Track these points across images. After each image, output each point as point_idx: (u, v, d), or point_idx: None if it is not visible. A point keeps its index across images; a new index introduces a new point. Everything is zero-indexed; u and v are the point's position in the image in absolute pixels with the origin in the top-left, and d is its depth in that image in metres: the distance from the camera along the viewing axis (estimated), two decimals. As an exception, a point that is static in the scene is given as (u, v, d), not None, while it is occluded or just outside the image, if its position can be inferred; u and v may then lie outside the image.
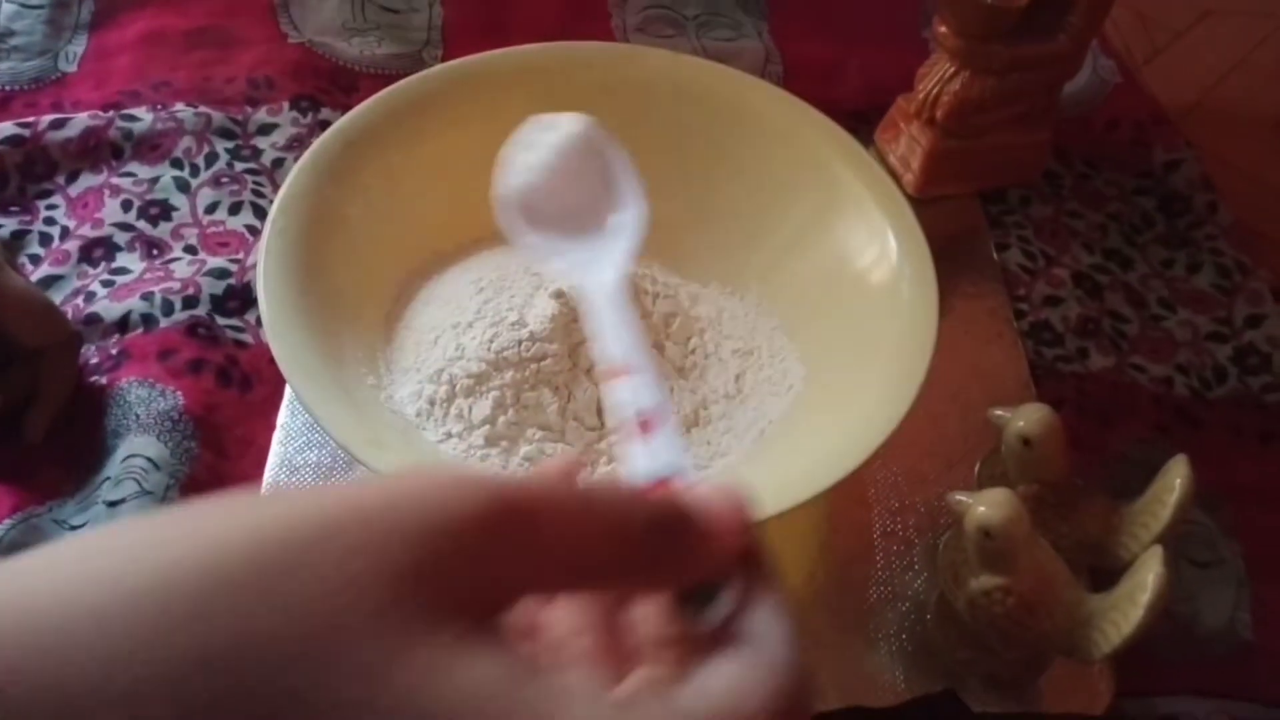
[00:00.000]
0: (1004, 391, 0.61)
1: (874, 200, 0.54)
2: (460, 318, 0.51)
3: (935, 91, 0.66)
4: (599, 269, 0.34)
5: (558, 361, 0.50)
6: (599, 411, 0.51)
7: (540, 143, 0.38)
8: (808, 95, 0.58)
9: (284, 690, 0.16)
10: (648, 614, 0.23)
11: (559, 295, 0.51)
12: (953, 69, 0.65)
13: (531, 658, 0.19)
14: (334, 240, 0.52)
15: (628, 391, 0.26)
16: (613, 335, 0.29)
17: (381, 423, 0.47)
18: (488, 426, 0.49)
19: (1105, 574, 0.51)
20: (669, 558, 0.22)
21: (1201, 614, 0.54)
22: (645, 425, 0.26)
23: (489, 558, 0.19)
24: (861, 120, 0.73)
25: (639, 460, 0.25)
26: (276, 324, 0.46)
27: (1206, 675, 0.52)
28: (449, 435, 0.49)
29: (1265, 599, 0.55)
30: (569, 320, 0.51)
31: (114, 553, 0.17)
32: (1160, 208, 0.73)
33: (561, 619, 0.23)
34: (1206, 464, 0.48)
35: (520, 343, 0.50)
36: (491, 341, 0.50)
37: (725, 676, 0.21)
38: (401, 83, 0.57)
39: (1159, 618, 0.43)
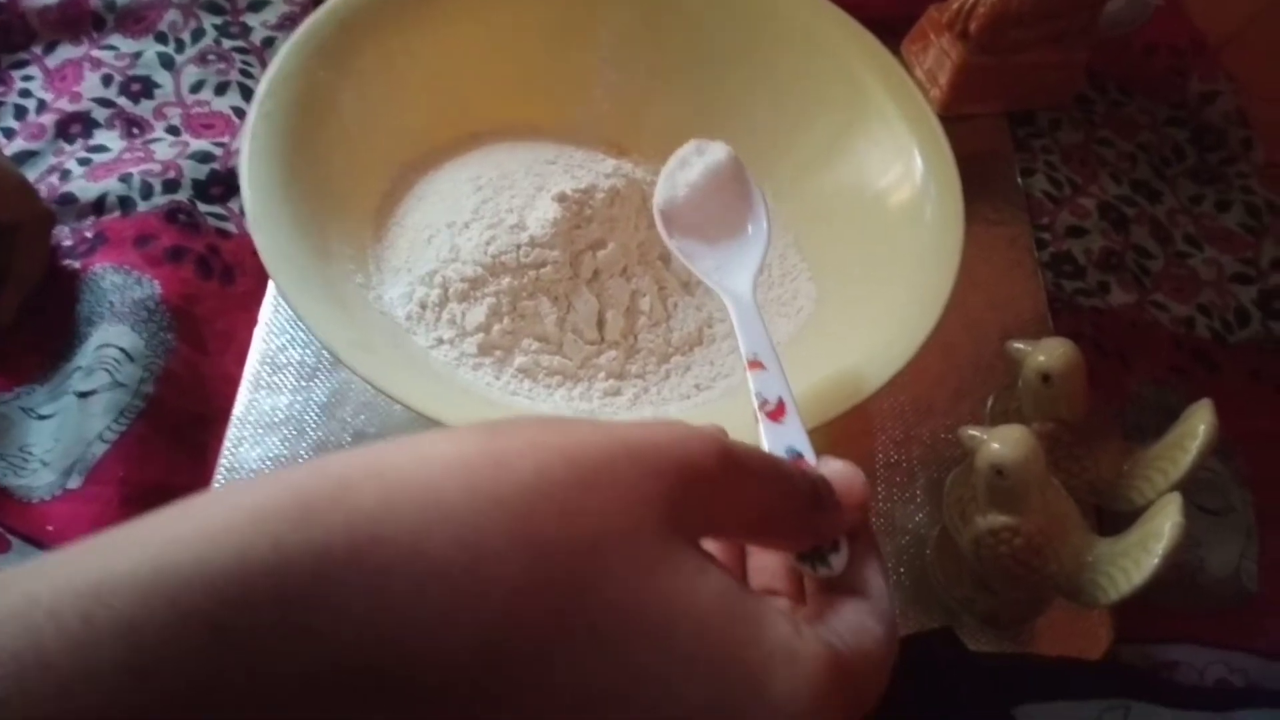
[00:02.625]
0: (1020, 323, 0.59)
1: (903, 116, 0.51)
2: (456, 217, 0.48)
3: (970, 2, 0.62)
4: (735, 274, 0.40)
5: (558, 270, 0.47)
6: (599, 324, 0.49)
7: (694, 163, 0.44)
8: (833, -1, 0.54)
9: (577, 579, 0.20)
10: (766, 563, 0.28)
11: (562, 198, 0.48)
12: (991, -22, 0.61)
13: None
14: (324, 127, 0.48)
15: (760, 382, 0.33)
16: (748, 334, 0.35)
17: (369, 324, 0.44)
18: (481, 334, 0.46)
19: (1113, 516, 0.50)
20: (818, 522, 0.25)
21: (1207, 562, 0.52)
22: (775, 413, 0.31)
23: (714, 497, 0.23)
24: (888, 29, 0.68)
25: (769, 439, 0.30)
26: (260, 214, 0.43)
27: (1208, 625, 0.51)
28: (440, 341, 0.46)
29: (1273, 550, 0.53)
30: (572, 226, 0.48)
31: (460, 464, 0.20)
32: (1193, 140, 0.70)
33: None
34: (1222, 409, 0.46)
35: (519, 247, 0.47)
36: (489, 244, 0.47)
37: (858, 616, 0.24)
38: (404, -39, 0.53)
39: (1171, 568, 0.41)
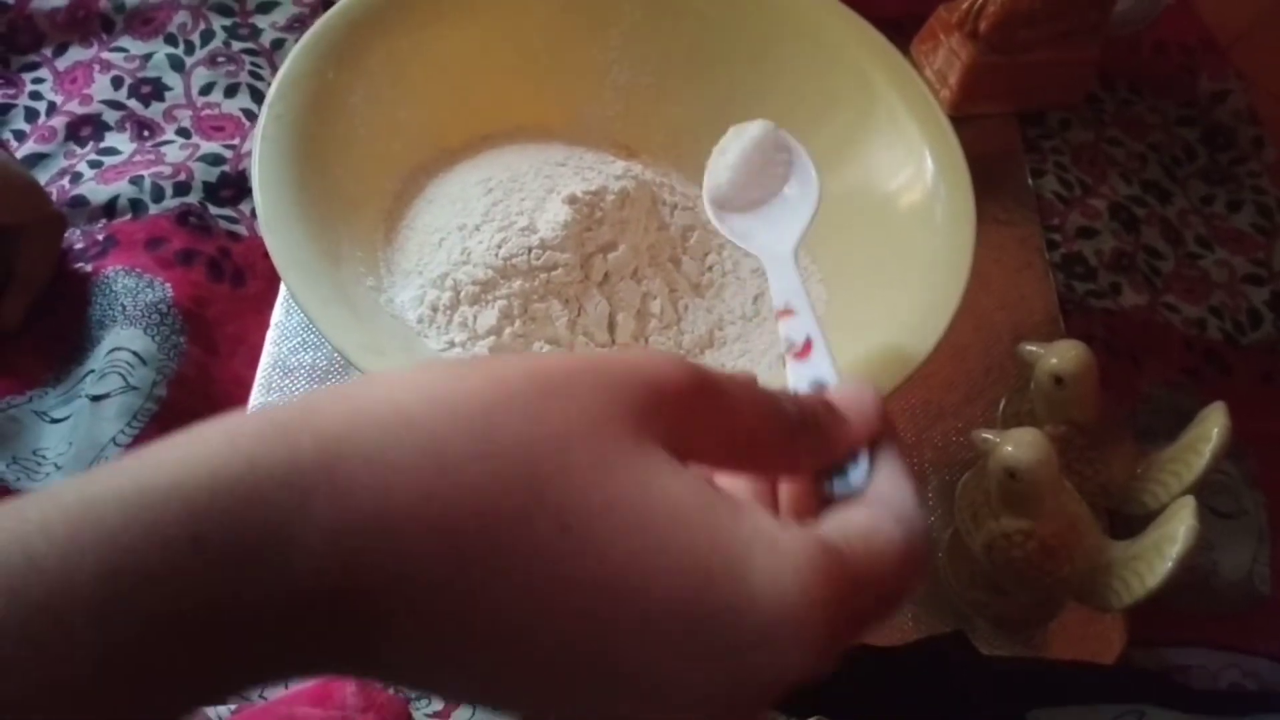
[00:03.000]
0: (1031, 325, 0.59)
1: (913, 117, 0.51)
2: (467, 219, 0.48)
3: (980, 1, 0.62)
4: (780, 235, 0.40)
5: (569, 272, 0.47)
6: (610, 327, 0.49)
7: (731, 147, 0.43)
8: (843, -1, 0.54)
9: (541, 479, 0.20)
10: (787, 488, 0.27)
11: (573, 200, 0.48)
12: (1001, -22, 0.61)
13: None
14: (335, 129, 0.48)
15: (789, 328, 0.33)
16: (780, 284, 0.35)
17: (380, 327, 0.44)
18: (493, 337, 0.46)
19: (1124, 519, 0.50)
20: (814, 441, 0.25)
21: (1220, 565, 0.52)
22: (802, 351, 0.32)
23: (688, 415, 0.22)
24: (897, 29, 0.68)
25: (793, 377, 0.31)
26: (272, 217, 0.43)
27: (1221, 628, 0.51)
28: (452, 344, 0.46)
29: (1285, 553, 0.53)
30: (582, 229, 0.48)
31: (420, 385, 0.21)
32: (1203, 140, 0.70)
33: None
34: (1234, 411, 0.46)
35: (530, 250, 0.47)
36: (500, 247, 0.47)
37: (870, 519, 0.24)
38: (414, -38, 0.52)
39: (1185, 572, 0.41)
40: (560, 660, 0.20)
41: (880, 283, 0.49)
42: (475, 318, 0.47)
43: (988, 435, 0.44)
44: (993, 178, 0.65)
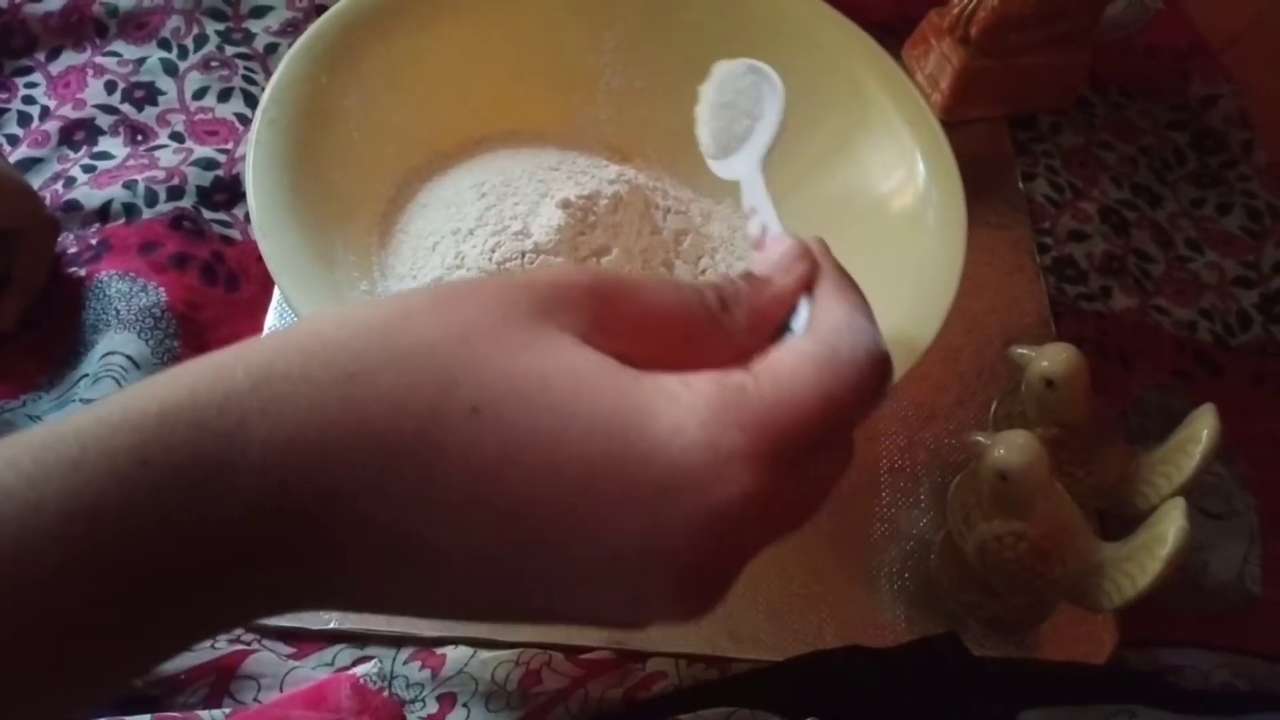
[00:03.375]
0: (1023, 327, 0.59)
1: (904, 119, 0.51)
2: (460, 224, 0.48)
3: (971, 6, 0.62)
4: (749, 155, 0.40)
5: (562, 275, 0.48)
6: (603, 330, 0.49)
7: (703, 99, 0.43)
8: (833, 3, 0.54)
9: (448, 373, 0.21)
10: None
11: (566, 204, 0.48)
12: (992, -18, 0.61)
13: None
14: (328, 134, 0.49)
15: (752, 225, 0.33)
16: (747, 194, 0.36)
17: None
18: (486, 340, 0.46)
19: (1115, 520, 0.50)
20: (743, 315, 0.26)
21: (1211, 566, 0.53)
22: (760, 242, 0.32)
23: (600, 310, 0.23)
24: (889, 33, 0.69)
25: (757, 266, 0.30)
26: (266, 221, 0.43)
27: (1212, 628, 0.51)
28: (445, 347, 0.46)
29: (1276, 553, 0.53)
30: (576, 233, 0.48)
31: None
32: (1193, 144, 0.70)
33: None
34: (1224, 413, 0.46)
35: (524, 254, 0.47)
36: (493, 251, 0.47)
37: (788, 359, 0.23)
38: (407, -34, 0.53)
39: (1176, 572, 0.41)
40: (497, 543, 0.21)
41: (873, 286, 0.49)
42: (469, 321, 0.47)
43: (979, 438, 0.44)
44: (984, 181, 0.66)
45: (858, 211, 0.52)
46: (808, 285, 0.28)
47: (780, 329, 0.27)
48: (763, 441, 0.22)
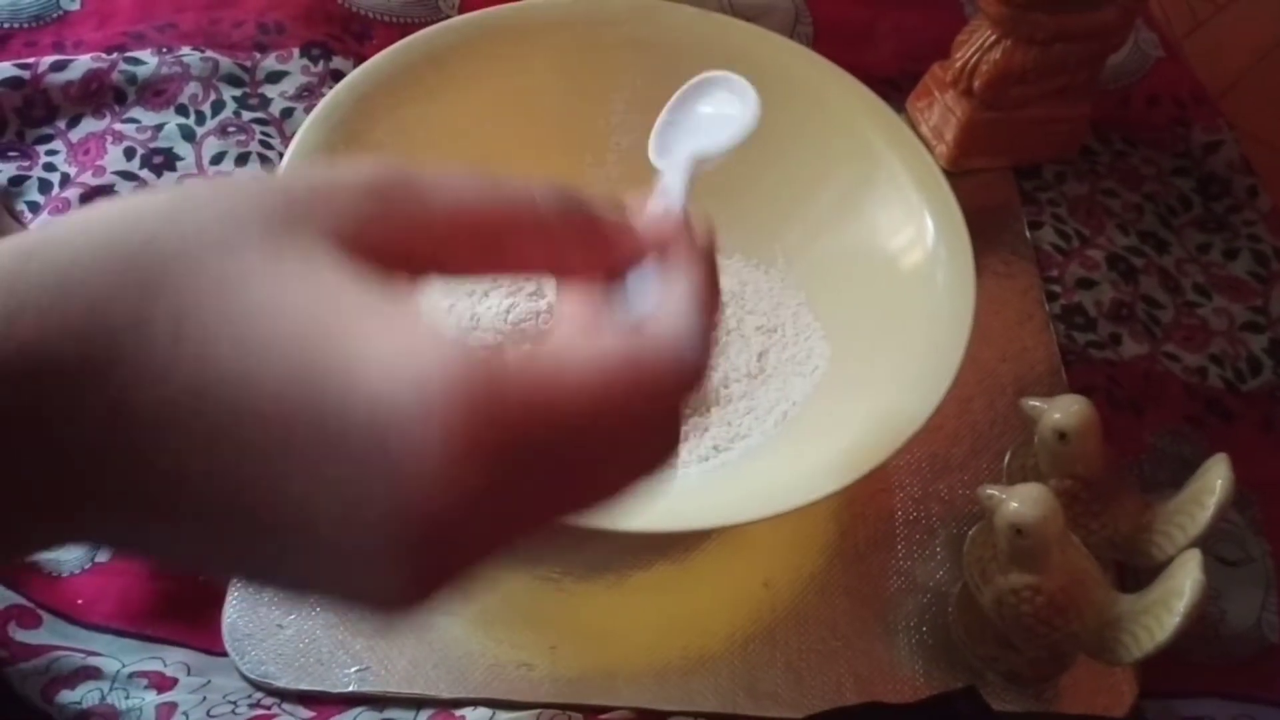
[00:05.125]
0: (1034, 376, 0.59)
1: (912, 178, 0.52)
2: (475, 286, 0.49)
3: (974, 60, 0.63)
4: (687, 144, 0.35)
5: (576, 335, 0.48)
6: (617, 388, 0.50)
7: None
8: (838, 59, 0.55)
9: (157, 280, 0.19)
10: (575, 308, 0.24)
11: (579, 265, 0.49)
12: (993, 37, 0.62)
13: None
14: (345, 200, 0.49)
15: (654, 206, 0.29)
16: (666, 176, 0.31)
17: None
18: (502, 401, 0.47)
19: (1133, 572, 0.50)
20: (581, 236, 0.23)
21: (1228, 614, 0.52)
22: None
23: (373, 214, 0.20)
24: (894, 87, 0.70)
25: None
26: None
27: (1231, 678, 0.51)
28: (461, 409, 0.47)
29: (1293, 600, 0.53)
30: (589, 292, 0.49)
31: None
32: (1198, 190, 0.71)
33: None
34: (1236, 459, 0.46)
35: (539, 315, 0.48)
36: (509, 312, 0.48)
37: (561, 336, 0.22)
38: (419, 34, 0.54)
39: (1193, 625, 0.41)
40: (198, 483, 0.19)
41: (884, 343, 0.50)
42: (485, 383, 0.47)
43: (993, 491, 0.45)
44: (991, 230, 0.66)
45: (868, 267, 0.52)
46: (664, 250, 0.25)
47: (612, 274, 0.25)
48: (485, 431, 0.18)
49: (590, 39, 0.56)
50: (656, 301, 0.23)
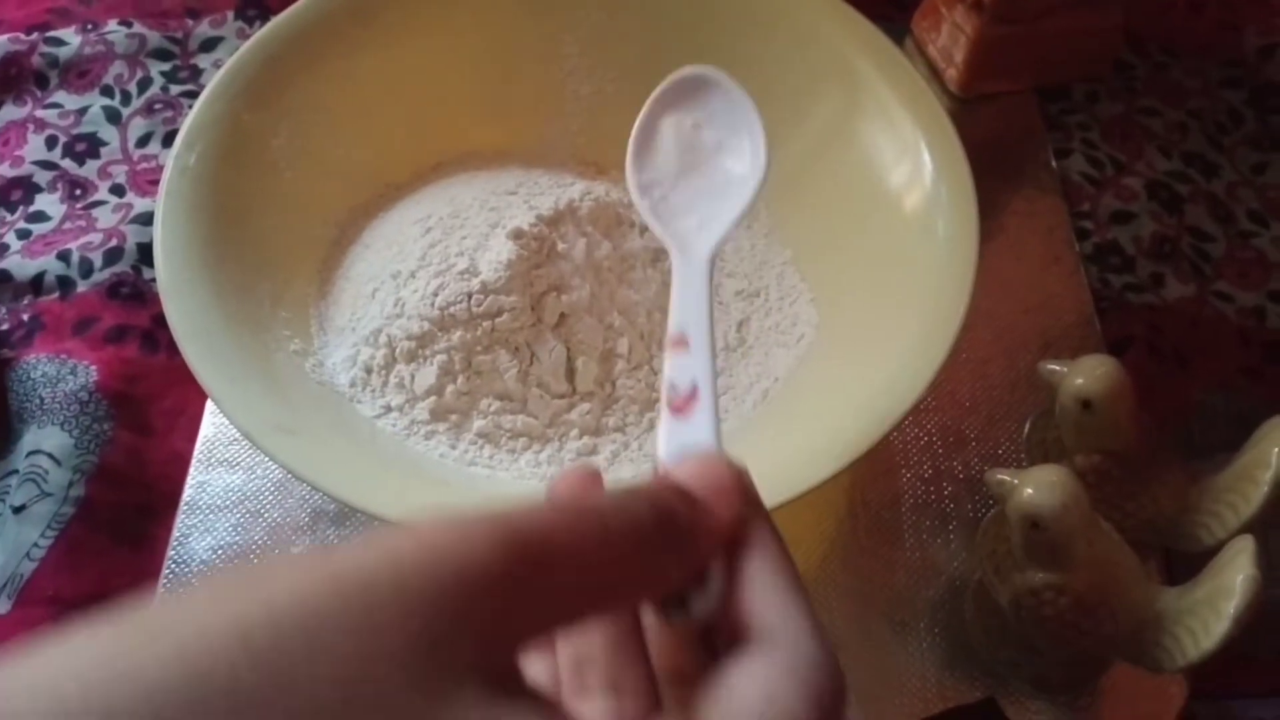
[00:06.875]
0: (1061, 329, 0.52)
1: (905, 109, 0.44)
2: (401, 265, 0.43)
3: (981, -32, 0.55)
4: (704, 222, 0.31)
5: (516, 316, 0.42)
6: (569, 374, 0.43)
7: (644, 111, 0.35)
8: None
9: None
10: (655, 643, 0.22)
11: (517, 235, 0.43)
12: (1003, -62, 0.54)
13: (554, 695, 0.20)
14: (254, 176, 0.44)
15: (677, 368, 0.26)
16: (684, 301, 0.28)
17: (301, 399, 0.40)
18: (433, 398, 0.41)
19: (1182, 557, 0.43)
20: (679, 552, 0.20)
21: (1295, 598, 0.45)
22: (683, 403, 0.25)
23: (505, 610, 0.17)
24: (895, 5, 0.63)
25: (668, 436, 0.24)
26: (173, 283, 0.39)
27: (1299, 673, 0.44)
28: (387, 409, 0.41)
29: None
30: (530, 266, 0.43)
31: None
32: (1251, 102, 0.62)
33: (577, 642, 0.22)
34: (1301, 415, 0.39)
35: (470, 295, 0.42)
36: (436, 295, 0.42)
37: (745, 694, 0.18)
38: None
39: (1245, 629, 0.34)
40: None
41: (875, 301, 0.43)
42: (413, 377, 0.42)
43: (1003, 476, 0.38)
44: (1011, 163, 0.59)
45: (859, 215, 0.46)
46: (731, 538, 0.21)
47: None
48: None
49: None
50: (777, 615, 0.20)
